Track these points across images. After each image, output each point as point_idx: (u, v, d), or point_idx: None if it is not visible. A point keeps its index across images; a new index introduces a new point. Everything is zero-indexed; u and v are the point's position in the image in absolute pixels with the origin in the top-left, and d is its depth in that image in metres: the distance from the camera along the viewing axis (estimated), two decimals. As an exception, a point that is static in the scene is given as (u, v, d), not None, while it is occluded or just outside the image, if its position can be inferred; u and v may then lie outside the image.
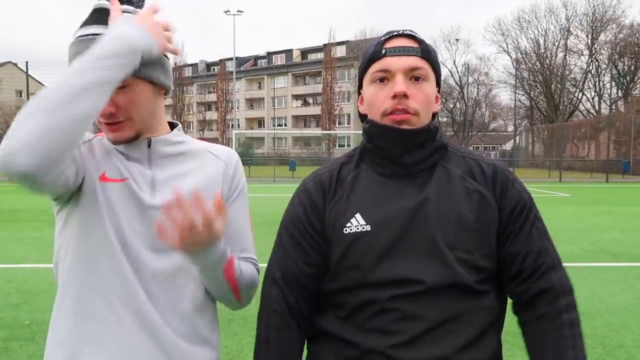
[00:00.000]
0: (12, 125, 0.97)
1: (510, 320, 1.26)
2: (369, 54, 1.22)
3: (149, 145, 1.24)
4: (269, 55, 67.94)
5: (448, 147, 1.25)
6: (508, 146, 62.36)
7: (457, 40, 54.84)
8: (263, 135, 60.14)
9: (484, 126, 61.94)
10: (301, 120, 64.96)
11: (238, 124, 62.39)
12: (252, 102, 68.13)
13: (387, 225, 1.16)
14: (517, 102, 49.74)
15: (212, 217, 1.06)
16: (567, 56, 48.13)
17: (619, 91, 45.01)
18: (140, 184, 1.21)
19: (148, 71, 1.18)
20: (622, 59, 44.93)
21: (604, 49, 46.05)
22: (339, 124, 56.08)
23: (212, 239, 1.10)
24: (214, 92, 61.94)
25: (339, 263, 1.19)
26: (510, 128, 59.72)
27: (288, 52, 66.41)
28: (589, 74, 47.08)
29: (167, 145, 1.26)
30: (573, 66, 48.79)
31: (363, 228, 1.16)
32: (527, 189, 1.26)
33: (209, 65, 72.03)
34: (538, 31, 57.74)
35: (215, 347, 1.29)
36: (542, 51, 49.92)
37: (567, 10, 59.38)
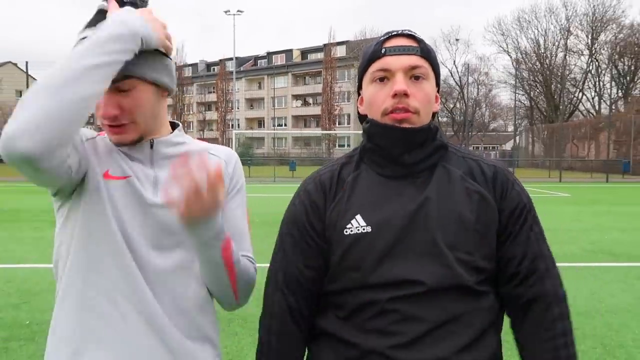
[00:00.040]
0: (15, 108, 0.98)
1: (510, 320, 1.27)
2: (369, 54, 1.22)
3: (152, 146, 1.25)
4: (269, 55, 67.94)
5: (448, 148, 1.25)
6: (508, 146, 62.37)
7: (457, 40, 54.93)
8: (263, 135, 60.14)
9: (484, 126, 61.95)
10: (301, 120, 64.96)
11: (238, 124, 62.38)
12: (252, 102, 68.13)
13: (387, 226, 1.16)
14: (517, 102, 49.79)
15: (216, 182, 1.06)
16: (567, 56, 48.22)
17: (619, 91, 45.02)
18: (143, 183, 1.22)
19: (152, 73, 1.18)
20: (622, 59, 44.94)
21: (604, 49, 46.11)
22: (339, 124, 56.08)
23: (213, 207, 1.09)
24: (214, 92, 61.94)
25: (339, 264, 1.19)
26: (510, 128, 59.79)
27: (288, 52, 66.41)
28: (589, 74, 47.13)
29: (168, 147, 1.27)
30: (573, 66, 48.89)
31: (363, 229, 1.16)
32: (527, 191, 1.26)
33: (209, 65, 72.04)
34: (538, 31, 57.82)
35: (216, 344, 1.31)
36: (542, 51, 49.95)
37: (567, 10, 59.45)
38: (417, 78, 1.18)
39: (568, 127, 41.04)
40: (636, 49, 43.49)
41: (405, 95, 1.16)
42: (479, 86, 55.40)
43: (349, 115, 56.72)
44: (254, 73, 67.31)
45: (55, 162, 1.02)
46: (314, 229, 1.22)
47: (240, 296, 1.27)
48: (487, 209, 1.18)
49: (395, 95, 1.16)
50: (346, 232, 1.18)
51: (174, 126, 1.33)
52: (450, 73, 54.10)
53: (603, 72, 45.84)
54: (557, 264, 1.24)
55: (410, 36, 1.21)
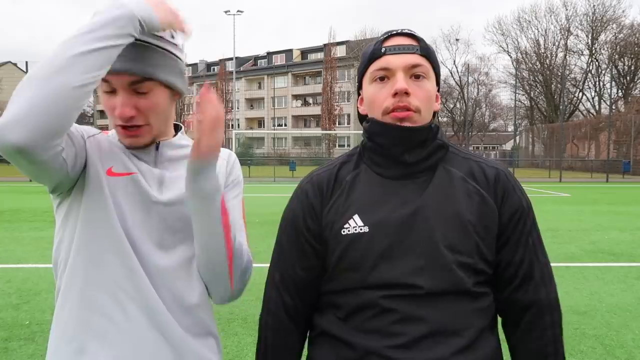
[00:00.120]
0: (12, 95, 0.97)
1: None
2: (369, 53, 1.22)
3: (157, 148, 1.26)
4: (269, 55, 67.94)
5: (450, 148, 1.25)
6: (508, 146, 62.35)
7: (457, 40, 54.94)
8: (263, 135, 60.13)
9: (484, 126, 61.94)
10: (301, 120, 64.95)
11: (238, 124, 62.39)
12: (252, 102, 68.12)
13: (384, 226, 1.15)
14: (517, 102, 49.68)
15: (222, 121, 1.11)
16: (567, 56, 48.20)
17: (619, 91, 45.02)
18: (149, 180, 1.22)
19: (170, 76, 1.19)
20: (622, 59, 44.92)
21: (604, 49, 46.10)
22: (339, 124, 56.06)
23: (219, 147, 1.13)
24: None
25: (338, 264, 1.19)
26: (510, 128, 59.77)
27: (288, 52, 66.41)
28: (589, 74, 47.11)
29: (172, 149, 1.28)
30: (573, 66, 48.87)
31: (361, 229, 1.16)
32: (527, 195, 1.25)
33: (209, 65, 72.05)
34: (538, 31, 57.67)
35: (217, 338, 1.33)
36: (542, 51, 49.95)
37: (567, 10, 59.36)
38: (417, 77, 1.18)
39: (568, 127, 41.01)
40: (636, 49, 43.48)
41: (406, 93, 1.15)
42: (479, 86, 55.44)
43: (349, 115, 56.71)
44: (254, 73, 67.29)
45: (49, 154, 1.01)
46: (309, 231, 1.23)
47: (235, 282, 1.24)
48: (488, 211, 1.17)
49: (396, 94, 1.16)
50: (344, 232, 1.17)
51: (176, 128, 1.34)
52: (450, 73, 54.18)
53: (603, 72, 45.84)
54: (557, 264, 1.25)
55: (410, 35, 1.21)
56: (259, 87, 67.36)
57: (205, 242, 1.19)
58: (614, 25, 45.38)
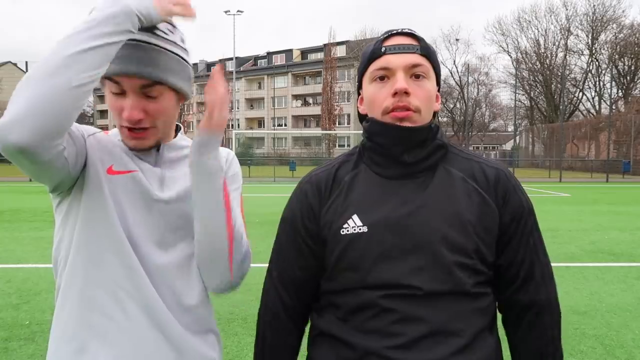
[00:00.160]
0: (12, 95, 0.97)
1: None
2: (369, 53, 1.22)
3: (158, 149, 1.27)
4: (269, 55, 67.92)
5: (450, 148, 1.24)
6: (508, 146, 62.34)
7: (457, 40, 54.95)
8: (263, 135, 60.12)
9: (484, 126, 61.93)
10: (301, 120, 64.94)
11: (238, 124, 62.39)
12: (252, 102, 68.10)
13: (383, 227, 1.15)
14: (517, 102, 49.66)
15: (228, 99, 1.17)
16: (567, 56, 48.20)
17: (619, 91, 45.01)
18: (149, 178, 1.22)
19: (179, 81, 1.20)
20: (622, 59, 44.92)
21: (604, 49, 46.09)
22: (339, 124, 56.04)
23: (225, 123, 1.17)
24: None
25: (336, 264, 1.19)
26: (510, 128, 59.76)
27: (288, 52, 66.39)
28: (589, 74, 47.11)
29: (173, 150, 1.29)
30: (573, 66, 48.87)
31: (359, 229, 1.16)
32: (528, 196, 1.25)
33: (209, 65, 71.95)
34: (538, 31, 57.68)
35: (217, 334, 1.33)
36: (542, 51, 49.94)
37: (567, 10, 59.44)
38: (417, 76, 1.17)
39: (568, 127, 40.99)
40: (636, 48, 43.47)
41: (406, 93, 1.15)
42: (479, 86, 55.44)
43: (349, 115, 56.69)
44: (254, 73, 67.27)
45: (51, 154, 1.01)
46: (307, 231, 1.23)
47: (234, 269, 1.23)
48: (488, 212, 1.17)
49: (395, 94, 1.16)
50: (343, 232, 1.17)
51: (175, 129, 1.35)
52: (450, 73, 54.18)
53: (603, 72, 45.84)
54: (557, 264, 1.26)
55: (411, 35, 1.20)
56: (259, 87, 67.35)
57: (207, 221, 1.19)
58: (614, 25, 45.44)
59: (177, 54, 1.20)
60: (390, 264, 1.13)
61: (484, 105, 59.36)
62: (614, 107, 39.26)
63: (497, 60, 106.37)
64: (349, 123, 57.48)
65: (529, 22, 53.06)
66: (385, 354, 1.11)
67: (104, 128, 1.41)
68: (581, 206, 13.87)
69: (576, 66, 48.99)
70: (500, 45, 54.24)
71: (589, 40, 46.65)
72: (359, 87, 1.28)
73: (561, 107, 40.41)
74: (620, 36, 45.05)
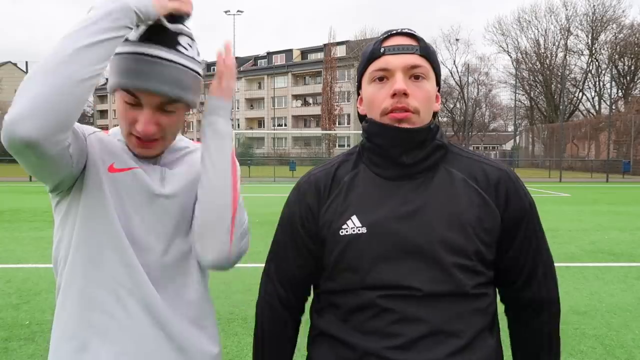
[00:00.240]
0: (16, 93, 0.98)
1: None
2: (368, 53, 1.21)
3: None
4: (269, 55, 67.91)
5: (451, 148, 1.24)
6: (508, 146, 62.32)
7: (457, 40, 54.94)
8: (263, 135, 60.11)
9: (484, 126, 61.92)
10: (301, 120, 64.94)
11: (238, 124, 62.41)
12: (252, 102, 68.10)
13: (382, 228, 1.15)
14: (517, 102, 49.70)
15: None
16: (567, 56, 48.20)
17: (619, 91, 45.01)
18: (150, 174, 1.23)
19: (196, 98, 1.23)
20: (622, 59, 44.92)
21: (604, 49, 46.09)
22: (339, 124, 56.04)
23: (233, 87, 1.28)
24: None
25: (336, 265, 1.19)
26: (510, 128, 59.74)
27: (288, 52, 66.38)
28: (589, 74, 47.10)
29: (173, 152, 1.30)
30: (573, 66, 48.87)
31: (359, 230, 1.16)
32: (530, 194, 1.25)
33: (209, 65, 71.71)
34: (538, 31, 57.63)
35: (216, 328, 1.34)
36: (542, 51, 49.94)
37: (567, 10, 59.35)
38: (417, 77, 1.17)
39: (568, 127, 40.99)
40: (636, 49, 43.47)
41: (405, 94, 1.15)
42: (479, 86, 55.43)
43: (349, 115, 56.69)
44: (254, 73, 67.27)
45: (57, 149, 1.02)
46: (306, 231, 1.23)
47: (234, 242, 1.21)
48: (489, 213, 1.17)
49: (394, 95, 1.15)
50: (342, 232, 1.17)
51: None
52: (450, 73, 54.17)
53: (603, 72, 45.83)
54: (557, 264, 1.26)
55: (410, 35, 1.20)
56: (259, 87, 67.34)
57: (214, 182, 1.21)
58: (614, 25, 45.43)
59: (195, 71, 1.21)
60: (390, 265, 1.13)
61: (484, 105, 59.39)
62: (614, 107, 39.25)
63: (497, 60, 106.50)
64: (349, 123, 57.48)
65: (529, 22, 53.05)
66: (384, 354, 1.11)
67: (104, 128, 1.41)
68: (581, 206, 13.87)
69: (576, 66, 49.07)
70: (500, 45, 54.27)
71: (589, 41, 46.66)
72: (359, 87, 1.28)
73: (561, 107, 40.42)
74: (620, 36, 45.08)
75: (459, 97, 53.59)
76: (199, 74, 1.23)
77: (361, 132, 1.27)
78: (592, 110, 47.42)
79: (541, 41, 49.97)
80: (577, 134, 42.16)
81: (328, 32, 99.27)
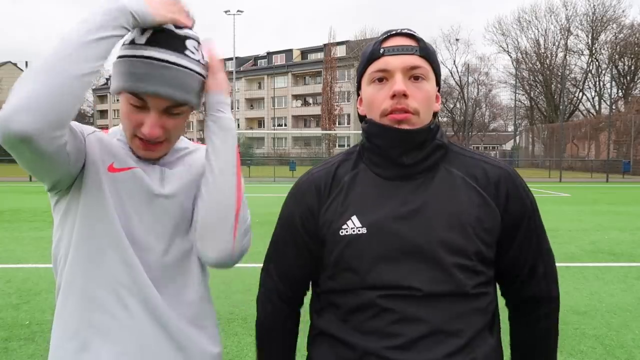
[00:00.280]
0: (13, 88, 0.99)
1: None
2: (367, 54, 1.21)
3: None
4: (269, 55, 67.91)
5: (452, 147, 1.24)
6: (508, 146, 62.33)
7: (457, 40, 54.93)
8: (263, 135, 60.10)
9: (484, 126, 61.92)
10: (301, 120, 64.94)
11: (238, 124, 62.33)
12: (252, 102, 68.11)
13: (382, 228, 1.15)
14: (517, 102, 49.80)
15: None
16: (567, 56, 48.20)
17: (619, 91, 45.01)
18: (150, 174, 1.23)
19: (199, 100, 1.24)
20: (622, 59, 44.92)
21: (604, 49, 46.09)
22: (339, 124, 56.04)
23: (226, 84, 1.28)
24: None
25: (336, 265, 1.19)
26: (510, 128, 59.76)
27: (288, 52, 66.37)
28: (589, 74, 47.11)
29: (173, 153, 1.30)
30: (573, 66, 48.88)
31: (359, 230, 1.16)
32: (531, 193, 1.25)
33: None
34: (538, 31, 57.66)
35: (217, 329, 1.34)
36: (542, 51, 49.94)
37: (567, 10, 59.44)
38: (416, 78, 1.16)
39: (568, 127, 40.97)
40: (636, 48, 43.46)
41: (404, 95, 1.14)
42: (479, 86, 55.45)
43: (349, 115, 56.69)
44: (254, 73, 67.29)
45: (53, 146, 1.02)
46: (306, 230, 1.23)
47: (237, 238, 1.22)
48: (489, 213, 1.17)
49: (394, 96, 1.15)
50: (342, 232, 1.17)
51: None
52: (450, 73, 54.17)
53: (603, 72, 45.84)
54: (558, 264, 1.28)
55: (410, 35, 1.19)
56: (259, 87, 67.35)
57: (219, 177, 1.21)
58: (614, 25, 45.44)
59: (200, 74, 1.22)
60: (390, 265, 1.13)
61: (484, 105, 59.40)
62: (614, 107, 39.25)
63: (497, 60, 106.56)
64: (349, 123, 57.48)
65: (529, 22, 53.07)
66: (384, 354, 1.11)
67: (104, 128, 1.41)
68: (581, 206, 13.87)
69: (576, 66, 49.08)
70: (500, 45, 54.29)
71: (589, 40, 46.67)
72: (358, 87, 1.28)
73: (561, 107, 40.41)
74: (620, 36, 45.07)
75: (459, 97, 53.59)
76: (203, 77, 1.24)
77: (361, 132, 1.27)
78: (592, 110, 47.43)
79: (541, 41, 50.05)
80: (577, 134, 42.16)
81: (328, 32, 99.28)
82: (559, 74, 46.02)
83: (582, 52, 47.86)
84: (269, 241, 1.31)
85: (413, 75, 1.16)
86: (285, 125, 63.86)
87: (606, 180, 26.42)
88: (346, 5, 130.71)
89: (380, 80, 1.18)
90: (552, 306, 1.26)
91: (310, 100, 63.76)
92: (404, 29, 1.21)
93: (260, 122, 67.61)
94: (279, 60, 66.81)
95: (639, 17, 78.99)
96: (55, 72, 0.99)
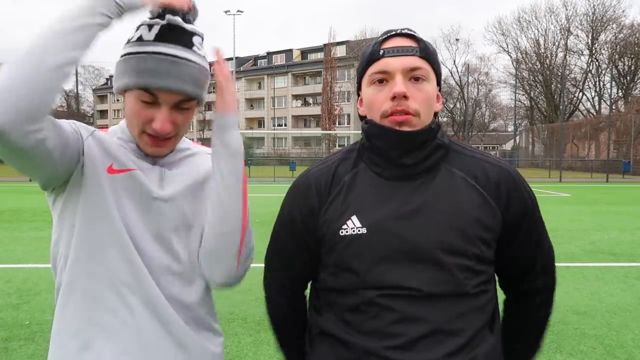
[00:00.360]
0: None
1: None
2: (367, 55, 1.20)
3: None
4: (269, 55, 67.88)
5: (453, 147, 1.24)
6: (508, 146, 62.29)
7: (457, 40, 54.91)
8: (263, 135, 60.08)
9: (484, 126, 61.93)
10: (301, 120, 64.92)
11: (238, 124, 62.20)
12: (252, 102, 68.09)
13: (382, 228, 1.15)
14: (517, 102, 49.74)
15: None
16: (567, 56, 48.18)
17: (619, 91, 45.00)
18: (149, 176, 1.23)
19: (205, 94, 1.24)
20: (622, 59, 44.90)
21: (604, 49, 46.09)
22: (339, 124, 56.01)
23: (235, 100, 1.26)
24: (213, 92, 60.98)
25: (335, 265, 1.19)
26: (510, 128, 59.73)
27: (288, 52, 66.35)
28: (589, 74, 47.10)
29: (174, 153, 1.30)
30: (573, 66, 48.85)
31: (359, 230, 1.16)
32: (531, 192, 1.25)
33: (209, 65, 71.90)
34: (538, 31, 57.68)
35: (220, 334, 1.34)
36: (542, 51, 49.93)
37: (567, 10, 59.42)
38: (416, 79, 1.16)
39: (568, 127, 40.97)
40: (636, 48, 43.46)
41: (405, 97, 1.14)
42: (479, 86, 55.44)
43: (349, 115, 56.68)
44: (254, 73, 67.26)
45: (29, 141, 0.98)
46: (306, 230, 1.23)
47: (241, 261, 1.25)
48: (489, 212, 1.17)
49: (394, 98, 1.14)
50: (342, 232, 1.17)
51: None
52: (450, 73, 54.14)
53: (603, 72, 45.83)
54: (558, 264, 1.30)
55: (410, 36, 1.18)
56: (259, 87, 67.34)
57: (226, 200, 1.21)
58: (614, 25, 45.42)
59: (207, 69, 1.23)
60: (390, 265, 1.13)
61: (484, 105, 59.41)
62: (614, 107, 39.24)
63: (497, 60, 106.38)
64: (349, 123, 57.47)
65: (529, 22, 53.06)
66: (384, 354, 1.11)
67: (104, 127, 1.40)
68: (581, 206, 13.86)
69: (576, 66, 49.06)
70: (500, 45, 54.20)
71: (589, 41, 46.65)
72: (358, 88, 1.27)
73: (561, 107, 40.39)
74: (620, 36, 45.06)
75: (459, 97, 53.58)
76: (210, 73, 1.25)
77: (361, 132, 1.27)
78: (592, 110, 47.43)
79: (541, 41, 50.02)
80: (577, 134, 42.15)
81: (328, 32, 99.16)
82: (559, 74, 46.01)
83: (582, 52, 47.91)
84: (267, 241, 1.31)
85: (413, 77, 1.16)
86: (285, 125, 63.84)
87: (606, 180, 26.41)
88: (346, 5, 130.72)
89: (381, 81, 1.17)
90: (545, 297, 1.30)
91: (310, 100, 63.75)
92: (404, 29, 1.20)
93: (260, 122, 67.59)
94: (279, 60, 66.78)
95: (639, 17, 79.04)
96: (30, 63, 0.96)
